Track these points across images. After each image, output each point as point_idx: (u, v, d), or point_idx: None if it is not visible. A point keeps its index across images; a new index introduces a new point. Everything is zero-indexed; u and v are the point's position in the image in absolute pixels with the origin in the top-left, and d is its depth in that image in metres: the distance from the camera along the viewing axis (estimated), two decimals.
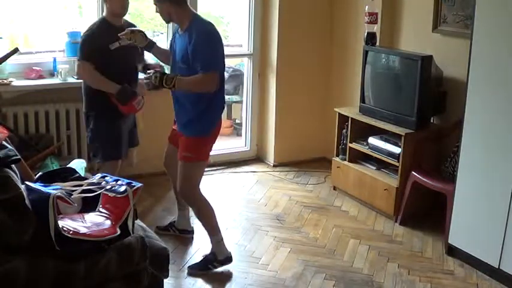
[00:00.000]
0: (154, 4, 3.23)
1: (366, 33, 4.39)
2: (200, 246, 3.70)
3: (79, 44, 3.65)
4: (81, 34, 3.67)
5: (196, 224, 3.95)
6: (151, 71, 3.20)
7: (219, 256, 3.38)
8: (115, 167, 3.76)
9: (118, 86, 3.58)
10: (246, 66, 5.38)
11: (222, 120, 6.27)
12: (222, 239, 3.41)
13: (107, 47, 3.51)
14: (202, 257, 3.44)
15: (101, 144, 3.73)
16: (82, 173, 2.97)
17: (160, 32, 4.84)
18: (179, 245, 3.70)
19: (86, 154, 4.36)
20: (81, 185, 2.54)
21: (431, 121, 4.19)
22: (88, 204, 2.51)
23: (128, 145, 3.88)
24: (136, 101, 3.67)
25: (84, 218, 2.39)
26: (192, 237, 3.80)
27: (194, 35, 3.10)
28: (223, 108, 3.43)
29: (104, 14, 3.70)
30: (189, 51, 3.11)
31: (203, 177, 3.86)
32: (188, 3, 3.26)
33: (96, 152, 3.78)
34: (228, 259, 3.41)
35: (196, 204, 3.42)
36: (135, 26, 3.86)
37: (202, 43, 3.10)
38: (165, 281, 2.72)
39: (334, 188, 4.70)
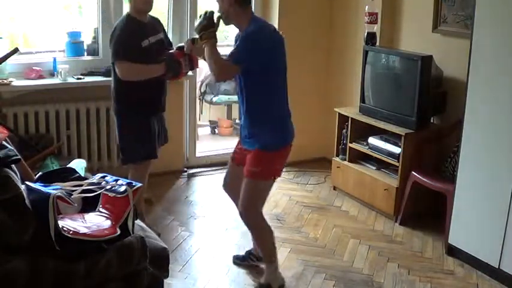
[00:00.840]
0: (216, 0, 3.01)
1: (366, 33, 4.39)
2: (200, 247, 3.70)
3: (112, 46, 3.51)
4: (111, 34, 3.55)
5: (197, 225, 3.95)
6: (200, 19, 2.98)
7: (273, 285, 3.17)
8: (147, 167, 3.68)
9: (162, 64, 3.48)
10: None
11: (224, 120, 6.26)
12: (277, 267, 3.22)
13: (138, 44, 3.46)
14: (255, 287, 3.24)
15: (132, 143, 3.61)
16: (82, 173, 2.97)
17: None
18: (179, 245, 3.70)
19: (86, 154, 4.36)
20: (81, 185, 2.54)
21: (431, 121, 4.19)
22: (88, 204, 2.51)
23: (159, 143, 3.76)
24: (183, 66, 3.55)
25: (84, 218, 2.39)
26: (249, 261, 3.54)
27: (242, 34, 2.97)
28: (288, 117, 3.20)
29: (128, 10, 3.60)
30: None
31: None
32: (251, 6, 3.07)
33: (126, 152, 3.66)
34: (282, 287, 3.21)
35: (256, 229, 3.20)
36: (159, 21, 3.77)
37: (242, 38, 2.95)
38: (165, 281, 2.71)
39: (334, 188, 4.70)
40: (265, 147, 3.05)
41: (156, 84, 3.59)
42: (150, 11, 3.61)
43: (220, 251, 3.64)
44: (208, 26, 2.94)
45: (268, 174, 3.11)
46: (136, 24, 3.52)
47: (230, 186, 3.35)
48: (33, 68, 4.21)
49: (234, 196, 3.32)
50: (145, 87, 3.51)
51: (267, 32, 3.04)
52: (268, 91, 3.06)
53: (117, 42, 3.48)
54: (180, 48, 3.58)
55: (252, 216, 3.15)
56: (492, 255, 3.30)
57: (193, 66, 3.67)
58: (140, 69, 3.48)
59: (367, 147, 4.33)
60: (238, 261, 3.51)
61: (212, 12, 2.99)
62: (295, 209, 4.34)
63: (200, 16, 3.01)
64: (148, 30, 3.57)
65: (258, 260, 3.46)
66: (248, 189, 3.08)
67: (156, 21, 3.76)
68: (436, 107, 4.09)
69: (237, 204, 3.26)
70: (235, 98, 6.27)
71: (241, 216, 3.19)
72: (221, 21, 3.00)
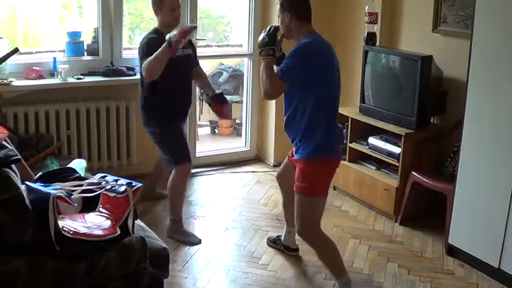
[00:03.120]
0: (278, 16, 3.02)
1: (366, 33, 4.39)
2: (200, 246, 3.70)
3: (139, 51, 3.62)
4: (138, 48, 3.65)
5: (197, 225, 3.94)
6: (263, 36, 2.98)
7: None
8: (188, 170, 3.79)
9: (166, 46, 3.39)
10: (246, 66, 5.38)
11: (224, 120, 6.23)
12: (349, 281, 3.07)
13: None
14: None
15: (169, 148, 3.75)
16: (82, 173, 2.97)
17: None
18: (179, 245, 3.70)
19: (86, 154, 4.36)
20: (81, 185, 2.54)
21: (431, 121, 4.19)
22: (88, 204, 2.51)
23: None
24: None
25: (84, 218, 2.39)
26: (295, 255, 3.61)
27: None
28: (337, 133, 3.07)
29: (156, 25, 3.70)
30: None
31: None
32: (311, 22, 3.01)
33: (169, 157, 3.79)
34: None
35: (316, 246, 3.11)
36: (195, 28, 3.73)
37: (291, 52, 2.89)
38: (165, 281, 2.71)
39: (334, 188, 4.69)
40: (309, 157, 2.99)
41: (183, 94, 3.81)
42: (177, 25, 3.62)
43: (220, 251, 3.64)
44: (269, 44, 2.94)
45: (318, 188, 3.04)
46: (161, 37, 3.52)
47: (279, 175, 3.49)
48: (33, 68, 4.21)
49: (281, 186, 3.50)
50: (174, 98, 3.70)
51: (319, 45, 2.94)
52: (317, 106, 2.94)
53: (142, 46, 3.58)
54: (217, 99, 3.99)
55: (307, 233, 3.10)
56: (492, 255, 3.30)
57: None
58: (150, 60, 3.44)
59: (367, 147, 4.33)
60: (270, 243, 3.70)
61: (276, 30, 2.99)
62: None
63: (264, 31, 3.01)
64: None
65: (284, 248, 3.60)
66: (299, 206, 3.04)
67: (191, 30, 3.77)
68: (436, 107, 4.09)
69: (283, 196, 3.49)
70: (235, 97, 6.29)
71: (297, 233, 3.14)
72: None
